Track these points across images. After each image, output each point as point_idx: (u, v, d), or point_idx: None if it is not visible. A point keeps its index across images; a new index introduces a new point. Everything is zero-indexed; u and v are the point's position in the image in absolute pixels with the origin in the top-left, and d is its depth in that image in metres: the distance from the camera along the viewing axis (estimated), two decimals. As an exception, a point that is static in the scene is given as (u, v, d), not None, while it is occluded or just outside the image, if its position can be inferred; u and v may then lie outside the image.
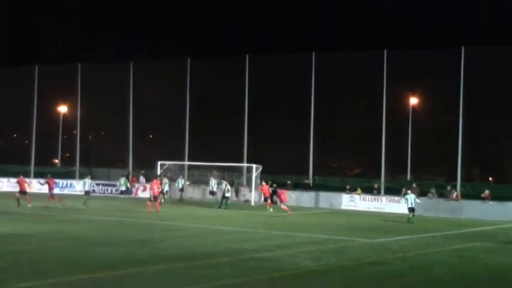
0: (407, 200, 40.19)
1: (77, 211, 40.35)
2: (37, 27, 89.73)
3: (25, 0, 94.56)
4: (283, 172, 56.97)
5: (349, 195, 51.51)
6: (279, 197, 43.76)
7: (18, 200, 41.50)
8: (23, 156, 65.97)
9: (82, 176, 62.36)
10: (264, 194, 48.03)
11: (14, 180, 48.90)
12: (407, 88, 55.98)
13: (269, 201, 46.00)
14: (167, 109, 60.03)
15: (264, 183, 49.27)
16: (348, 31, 71.56)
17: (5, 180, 62.71)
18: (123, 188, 46.94)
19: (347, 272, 20.91)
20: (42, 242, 25.60)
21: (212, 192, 51.45)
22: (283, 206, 42.28)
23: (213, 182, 51.92)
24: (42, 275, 18.29)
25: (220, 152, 55.08)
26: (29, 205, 41.02)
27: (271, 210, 44.28)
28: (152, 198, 41.22)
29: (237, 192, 55.07)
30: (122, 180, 55.10)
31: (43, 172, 62.24)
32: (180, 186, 54.14)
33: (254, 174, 53.12)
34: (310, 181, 55.60)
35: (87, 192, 45.95)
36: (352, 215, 45.63)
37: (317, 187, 54.80)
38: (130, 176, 58.72)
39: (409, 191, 41.70)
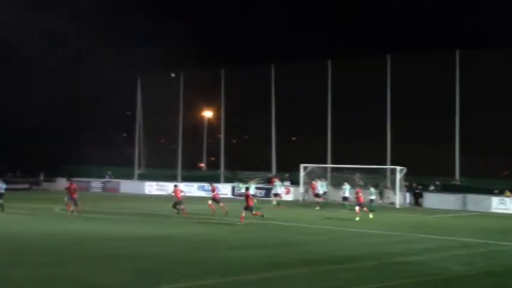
0: None
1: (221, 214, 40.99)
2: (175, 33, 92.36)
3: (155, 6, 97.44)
4: (427, 174, 55.50)
5: (499, 198, 49.49)
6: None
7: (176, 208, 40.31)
8: (171, 160, 68.04)
9: (227, 180, 63.78)
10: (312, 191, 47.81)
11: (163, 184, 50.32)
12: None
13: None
14: (309, 111, 59.99)
15: (314, 181, 49.02)
16: (491, 29, 68.81)
17: (154, 183, 65.11)
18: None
19: (497, 277, 20.00)
20: (191, 244, 26.19)
21: (344, 198, 50.44)
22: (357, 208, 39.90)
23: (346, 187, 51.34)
24: (191, 276, 18.67)
25: (363, 154, 54.39)
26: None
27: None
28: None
29: (381, 194, 54.27)
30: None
31: (189, 176, 64.10)
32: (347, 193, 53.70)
33: (398, 176, 52.18)
34: (458, 182, 53.99)
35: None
36: (504, 218, 43.75)
37: (464, 189, 53.01)
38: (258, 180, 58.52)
39: None
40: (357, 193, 40.14)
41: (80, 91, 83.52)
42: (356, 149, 55.59)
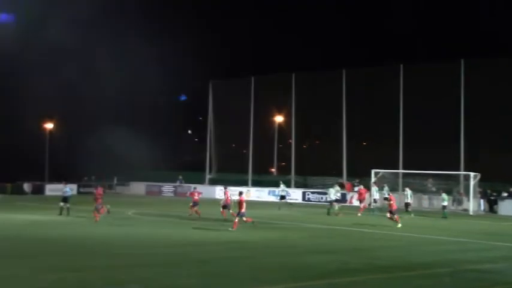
0: None
1: (295, 218, 40.86)
2: (255, 40, 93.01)
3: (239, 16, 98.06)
4: (501, 180, 54.15)
5: None
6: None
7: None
8: (241, 165, 68.37)
9: (297, 185, 63.69)
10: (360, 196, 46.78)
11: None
12: None
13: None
14: (381, 116, 59.39)
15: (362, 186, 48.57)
16: None
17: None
18: (332, 198, 46.98)
19: None
20: (261, 248, 26.26)
21: (407, 204, 49.57)
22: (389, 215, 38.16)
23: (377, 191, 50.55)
24: (261, 281, 18.71)
25: (435, 160, 53.47)
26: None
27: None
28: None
29: (454, 201, 53.26)
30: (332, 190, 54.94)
31: (260, 181, 64.23)
32: (387, 195, 52.96)
33: (472, 182, 51.13)
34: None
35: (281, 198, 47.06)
36: None
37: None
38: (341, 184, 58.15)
39: None
40: (389, 199, 38.55)
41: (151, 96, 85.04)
42: (428, 155, 54.68)
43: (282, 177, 66.09)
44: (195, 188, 42.22)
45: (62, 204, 39.51)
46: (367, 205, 47.22)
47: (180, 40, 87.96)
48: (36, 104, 76.46)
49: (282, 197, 52.47)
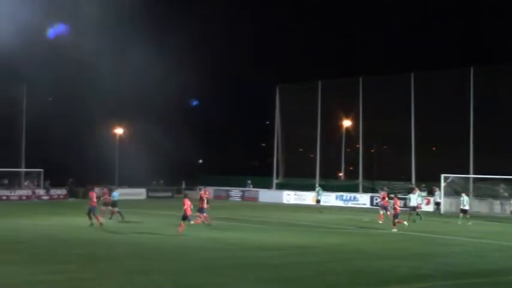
0: None
1: (364, 223, 40.60)
2: (319, 44, 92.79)
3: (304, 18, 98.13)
4: None
5: None
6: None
7: None
8: (309, 169, 68.18)
9: (365, 190, 63.17)
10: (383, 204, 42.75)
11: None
12: None
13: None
14: (450, 120, 58.36)
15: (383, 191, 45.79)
16: None
17: (292, 193, 65.41)
18: (414, 203, 46.10)
19: None
20: (329, 253, 26.13)
21: (463, 211, 48.35)
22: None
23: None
24: (330, 286, 18.63)
25: (508, 165, 52.20)
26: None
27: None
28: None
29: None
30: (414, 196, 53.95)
31: (327, 185, 63.89)
32: (438, 199, 51.96)
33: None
34: None
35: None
36: None
37: None
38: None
39: None
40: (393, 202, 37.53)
41: (218, 101, 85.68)
42: (500, 159, 53.45)
43: (350, 182, 65.82)
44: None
45: (110, 208, 40.04)
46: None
47: (247, 44, 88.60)
48: (106, 109, 78.06)
49: (318, 201, 53.16)
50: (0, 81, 66.99)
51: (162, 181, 75.43)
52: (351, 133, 69.30)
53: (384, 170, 63.68)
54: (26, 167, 71.42)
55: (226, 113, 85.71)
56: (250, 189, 69.63)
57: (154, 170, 76.07)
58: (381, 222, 39.95)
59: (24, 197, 64.07)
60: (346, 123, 69.62)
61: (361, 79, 65.19)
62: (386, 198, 42.16)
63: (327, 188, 62.64)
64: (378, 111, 62.67)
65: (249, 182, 70.71)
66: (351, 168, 71.44)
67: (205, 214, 35.59)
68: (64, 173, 70.59)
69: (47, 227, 34.91)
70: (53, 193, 65.27)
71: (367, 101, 64.93)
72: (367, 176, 65.04)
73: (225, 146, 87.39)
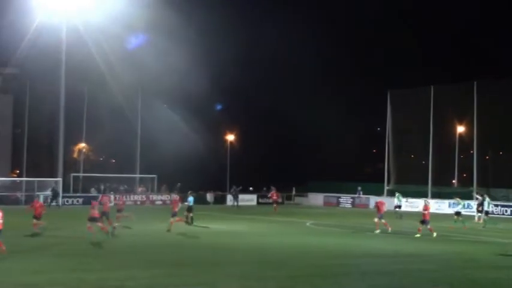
0: None
1: (477, 232, 39.60)
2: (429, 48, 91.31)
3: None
4: None
5: None
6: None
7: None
8: (421, 176, 66.91)
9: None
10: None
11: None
12: None
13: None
14: None
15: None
16: None
17: (403, 200, 64.31)
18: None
19: None
20: (442, 261, 25.58)
21: (485, 212, 46.25)
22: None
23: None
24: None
25: None
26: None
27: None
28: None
29: None
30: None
31: (439, 192, 62.53)
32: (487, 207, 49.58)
33: None
34: None
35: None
36: None
37: None
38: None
39: None
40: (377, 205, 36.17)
41: (329, 107, 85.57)
42: None
43: (464, 189, 64.10)
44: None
45: (186, 213, 40.11)
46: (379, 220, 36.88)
47: (358, 49, 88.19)
48: (216, 116, 79.56)
49: (398, 206, 52.49)
50: (119, 90, 69.69)
51: (272, 187, 75.83)
52: (464, 139, 67.57)
53: (500, 177, 61.76)
54: (140, 173, 73.74)
55: (337, 119, 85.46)
56: (361, 196, 69.04)
57: (265, 176, 76.85)
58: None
59: (138, 202, 65.94)
60: (460, 129, 67.93)
61: (475, 83, 63.47)
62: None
63: (439, 196, 61.43)
64: (493, 116, 60.87)
65: (359, 188, 70.15)
66: (464, 175, 69.68)
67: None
68: (174, 178, 72.37)
69: (161, 232, 35.72)
70: (166, 198, 66.84)
71: (481, 106, 63.16)
72: (482, 183, 63.18)
73: (335, 152, 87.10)
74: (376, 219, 36.19)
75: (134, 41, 72.90)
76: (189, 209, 40.21)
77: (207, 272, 21.75)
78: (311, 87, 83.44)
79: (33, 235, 31.87)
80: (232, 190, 68.81)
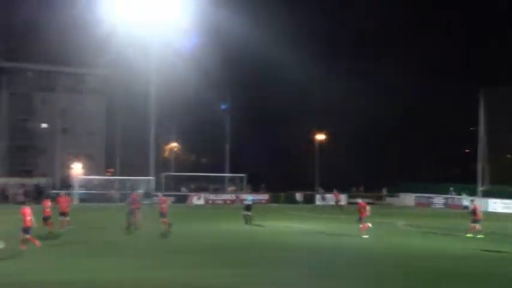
0: None
1: None
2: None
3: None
4: None
5: None
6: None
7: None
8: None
9: None
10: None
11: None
12: None
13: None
14: None
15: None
16: None
17: (498, 201, 62.53)
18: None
19: None
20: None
21: None
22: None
23: None
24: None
25: None
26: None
27: None
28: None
29: None
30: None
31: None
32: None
33: None
34: None
35: None
36: None
37: None
38: None
39: None
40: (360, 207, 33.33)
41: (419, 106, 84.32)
42: None
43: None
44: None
45: (244, 212, 40.21)
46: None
47: (453, 46, 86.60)
48: (309, 117, 79.66)
49: (466, 207, 51.69)
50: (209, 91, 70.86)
51: (362, 188, 75.24)
52: None
53: None
54: (229, 173, 74.60)
55: (428, 119, 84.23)
56: (454, 197, 67.49)
57: (355, 176, 76.34)
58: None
59: (228, 201, 66.51)
60: None
61: None
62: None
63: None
64: None
65: (452, 189, 68.62)
66: None
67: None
68: (263, 178, 72.83)
69: (245, 231, 35.95)
70: (255, 197, 67.11)
71: None
72: None
73: (426, 152, 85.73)
74: (473, 224, 34.81)
75: (221, 44, 73.93)
76: (248, 208, 40.31)
77: (273, 272, 21.66)
78: (402, 84, 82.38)
79: (129, 233, 32.69)
80: (318, 190, 68.71)
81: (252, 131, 79.01)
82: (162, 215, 33.88)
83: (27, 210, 25.30)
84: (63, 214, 33.03)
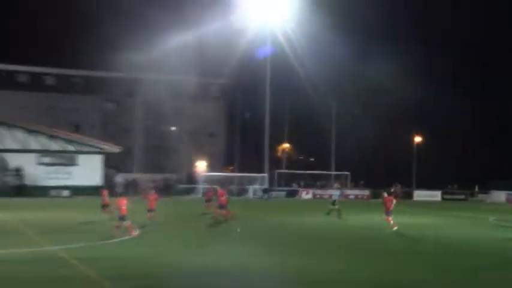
0: None
1: None
2: None
3: None
4: None
5: None
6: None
7: None
8: None
9: None
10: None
11: None
12: None
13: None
14: None
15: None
16: None
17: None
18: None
19: None
20: None
21: None
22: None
23: None
24: None
25: None
26: None
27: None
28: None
29: None
30: None
31: None
32: None
33: None
34: None
35: None
36: None
37: None
38: None
39: None
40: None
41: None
42: None
43: None
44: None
45: (332, 206, 41.14)
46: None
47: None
48: (407, 120, 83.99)
49: None
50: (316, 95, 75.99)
51: (456, 185, 79.18)
52: None
53: None
54: (335, 171, 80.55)
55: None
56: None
57: (451, 174, 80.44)
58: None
59: (333, 196, 72.18)
60: None
61: None
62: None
63: None
64: None
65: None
66: None
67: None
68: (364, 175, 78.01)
69: (348, 226, 36.58)
70: (358, 193, 72.75)
71: None
72: None
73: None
74: None
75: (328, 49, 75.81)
76: (333, 203, 41.21)
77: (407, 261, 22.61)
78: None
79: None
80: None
81: (355, 133, 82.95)
82: (222, 207, 35.20)
83: (123, 201, 27.47)
84: (150, 210, 33.15)
